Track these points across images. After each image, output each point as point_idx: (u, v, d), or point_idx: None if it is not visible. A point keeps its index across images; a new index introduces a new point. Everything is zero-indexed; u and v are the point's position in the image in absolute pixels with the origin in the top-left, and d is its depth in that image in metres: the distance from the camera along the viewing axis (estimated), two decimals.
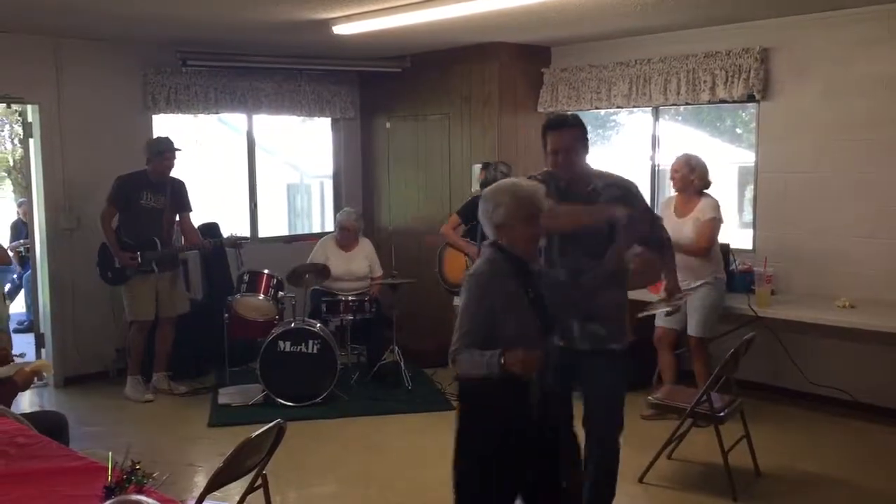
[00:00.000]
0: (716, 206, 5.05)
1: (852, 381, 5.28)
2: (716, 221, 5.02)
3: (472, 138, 6.78)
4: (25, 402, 5.77)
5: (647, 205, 3.51)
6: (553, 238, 3.33)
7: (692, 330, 5.06)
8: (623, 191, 3.35)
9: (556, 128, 3.32)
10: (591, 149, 3.41)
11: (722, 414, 4.10)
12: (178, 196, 5.91)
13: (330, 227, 6.59)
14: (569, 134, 3.29)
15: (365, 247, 6.50)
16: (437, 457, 4.70)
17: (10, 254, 7.99)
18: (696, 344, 5.08)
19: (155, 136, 6.10)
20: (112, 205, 5.71)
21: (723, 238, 5.79)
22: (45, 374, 4.25)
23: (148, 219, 5.76)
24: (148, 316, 5.81)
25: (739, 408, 4.29)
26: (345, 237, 6.39)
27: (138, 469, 2.28)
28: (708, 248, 5.01)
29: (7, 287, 8.02)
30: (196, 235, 6.13)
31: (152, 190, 5.76)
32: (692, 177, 5.06)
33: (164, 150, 5.75)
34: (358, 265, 6.37)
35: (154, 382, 5.95)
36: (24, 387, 3.67)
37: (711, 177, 5.17)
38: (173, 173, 5.85)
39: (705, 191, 5.14)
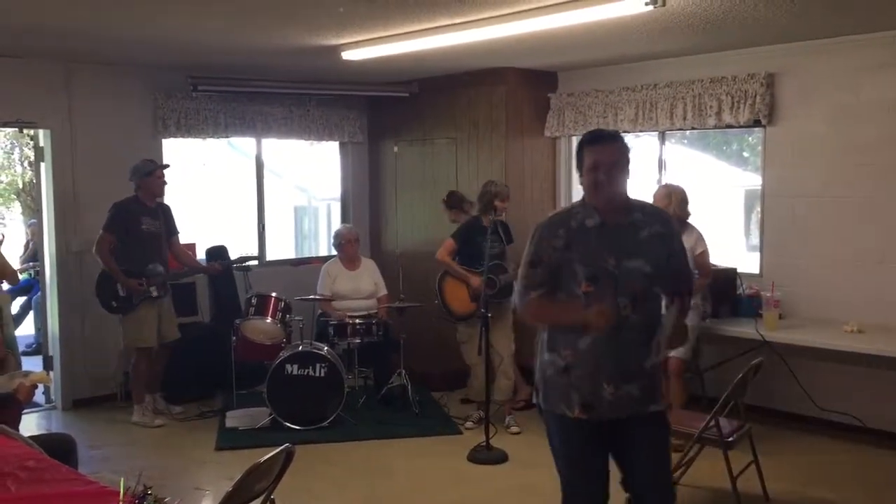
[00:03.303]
0: (702, 237, 5.10)
1: (862, 406, 5.26)
2: (707, 252, 5.09)
3: (480, 163, 6.82)
4: (33, 424, 5.78)
5: (683, 245, 3.00)
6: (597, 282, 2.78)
7: (680, 353, 4.97)
8: (665, 227, 2.88)
9: (596, 142, 2.82)
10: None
11: (731, 439, 4.09)
12: (168, 220, 5.92)
13: None
14: (612, 148, 2.81)
15: (369, 266, 6.56)
16: (444, 481, 4.72)
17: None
18: (680, 366, 5.04)
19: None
20: (111, 233, 5.62)
21: (730, 262, 5.81)
22: (45, 385, 4.27)
23: (151, 244, 5.74)
24: (151, 342, 5.78)
25: (748, 433, 4.26)
26: (349, 252, 6.41)
27: (150, 494, 2.28)
28: (709, 279, 5.05)
29: (16, 310, 8.05)
30: (192, 257, 6.16)
31: (150, 214, 5.74)
32: (671, 207, 4.98)
33: (153, 170, 5.76)
34: (364, 283, 6.41)
35: (147, 404, 5.88)
36: (26, 400, 3.72)
37: (690, 207, 5.16)
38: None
39: (688, 221, 5.13)
